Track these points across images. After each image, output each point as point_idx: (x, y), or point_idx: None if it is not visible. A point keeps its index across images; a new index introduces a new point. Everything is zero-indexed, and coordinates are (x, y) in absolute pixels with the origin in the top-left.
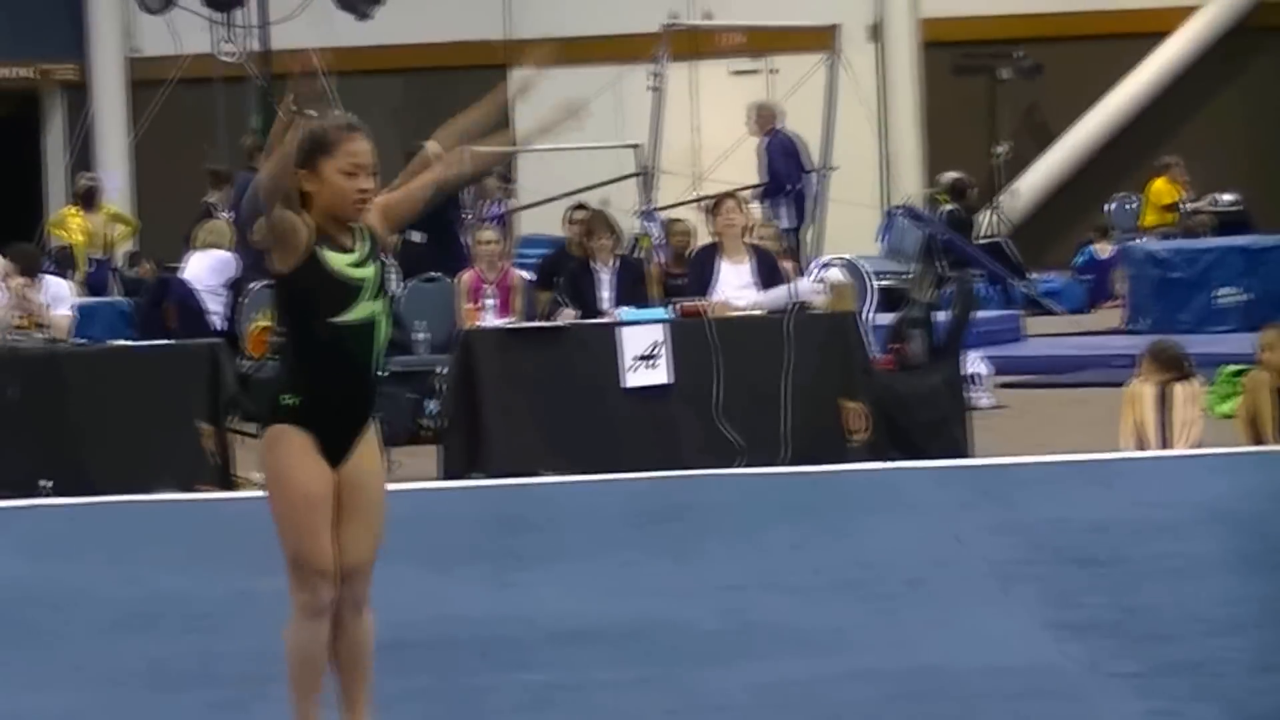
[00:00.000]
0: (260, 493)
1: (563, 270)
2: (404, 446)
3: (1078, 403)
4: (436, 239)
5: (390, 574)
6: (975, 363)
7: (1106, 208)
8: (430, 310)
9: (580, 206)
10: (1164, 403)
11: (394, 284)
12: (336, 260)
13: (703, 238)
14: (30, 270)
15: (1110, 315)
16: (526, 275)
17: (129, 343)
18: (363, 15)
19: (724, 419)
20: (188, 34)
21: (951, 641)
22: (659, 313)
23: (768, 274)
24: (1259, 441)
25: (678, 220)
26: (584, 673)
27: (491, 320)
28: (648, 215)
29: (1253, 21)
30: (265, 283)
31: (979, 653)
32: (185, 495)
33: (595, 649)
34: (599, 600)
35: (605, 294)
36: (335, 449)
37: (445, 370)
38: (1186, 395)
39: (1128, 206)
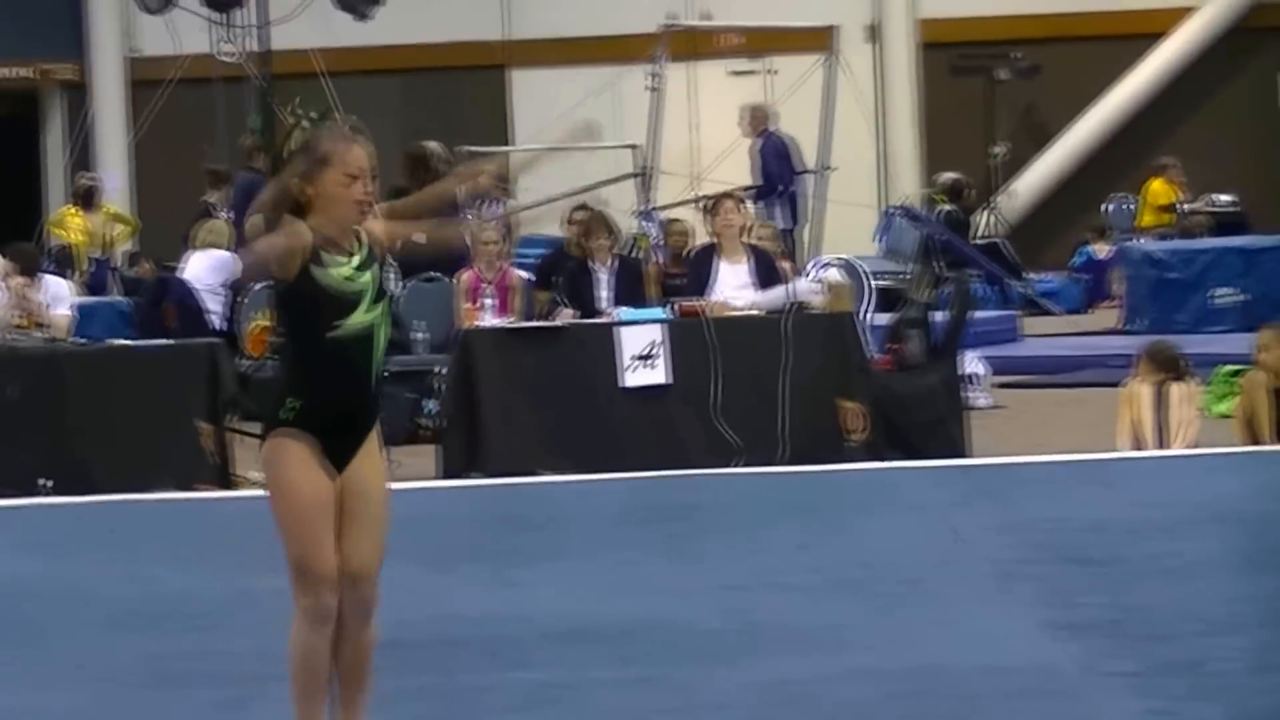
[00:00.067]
0: (259, 492)
1: (561, 270)
2: (403, 446)
3: (1075, 403)
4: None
5: (389, 573)
6: (973, 363)
7: (1104, 208)
8: (429, 310)
9: (579, 207)
10: (1160, 403)
11: (393, 283)
12: (334, 272)
13: (701, 238)
14: (30, 270)
15: (1107, 315)
16: (525, 275)
17: (128, 342)
18: (362, 16)
19: (722, 419)
20: (187, 34)
21: (950, 641)
22: (657, 313)
23: (766, 274)
24: (1256, 441)
25: (676, 220)
26: (582, 672)
27: (490, 320)
28: (646, 215)
29: (1250, 22)
30: (264, 283)
31: (977, 652)
32: (185, 494)
33: (594, 648)
34: (597, 599)
35: (604, 294)
36: (337, 455)
37: (444, 370)
38: (1183, 395)
39: (1125, 207)
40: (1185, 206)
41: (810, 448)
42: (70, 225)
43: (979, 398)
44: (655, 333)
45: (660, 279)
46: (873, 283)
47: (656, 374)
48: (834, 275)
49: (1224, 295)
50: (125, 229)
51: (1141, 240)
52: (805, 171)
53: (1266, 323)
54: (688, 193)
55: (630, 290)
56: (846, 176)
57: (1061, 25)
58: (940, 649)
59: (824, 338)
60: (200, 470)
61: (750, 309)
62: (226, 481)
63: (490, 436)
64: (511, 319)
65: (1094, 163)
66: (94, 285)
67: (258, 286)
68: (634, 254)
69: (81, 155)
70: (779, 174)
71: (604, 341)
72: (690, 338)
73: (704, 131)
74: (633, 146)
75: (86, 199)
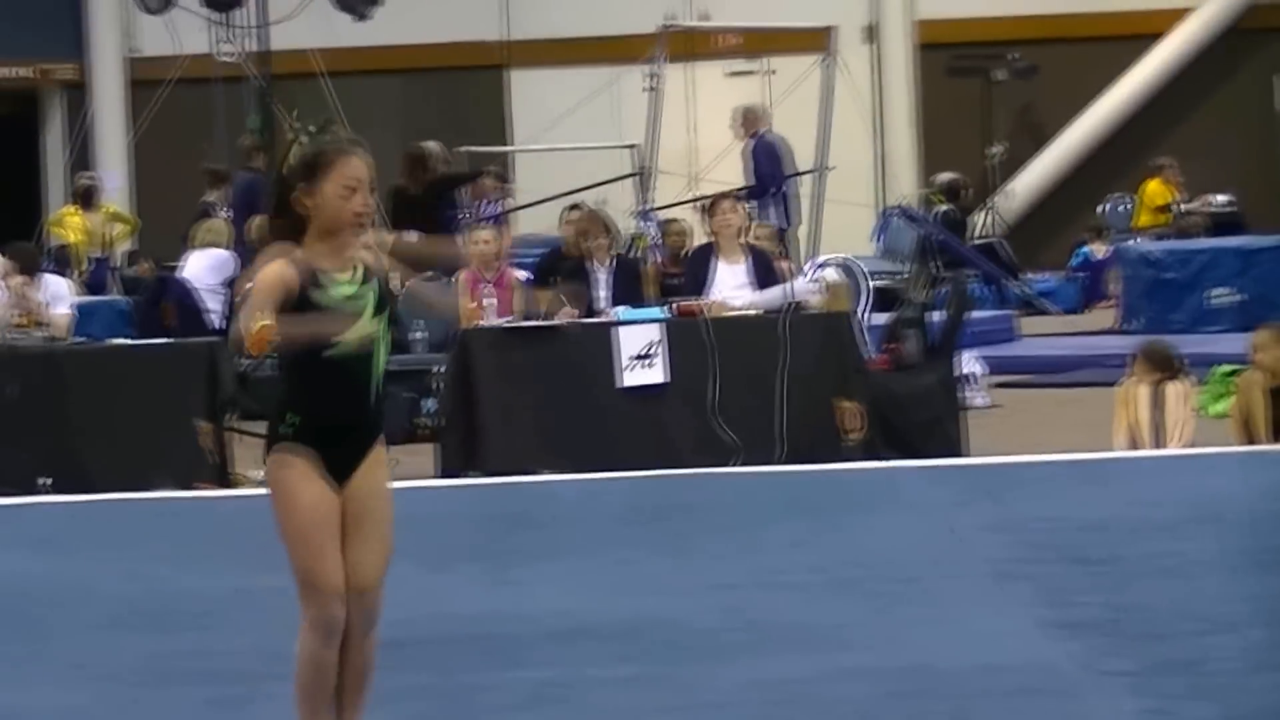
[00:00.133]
0: (259, 490)
1: (560, 270)
2: (401, 445)
3: (1072, 402)
4: (433, 239)
5: (388, 572)
6: (970, 362)
7: (1100, 209)
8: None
9: (577, 206)
10: (1157, 402)
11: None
12: (333, 291)
13: (699, 238)
14: (30, 269)
15: (1104, 315)
16: (524, 275)
17: (128, 341)
18: (361, 16)
19: (720, 418)
20: (187, 34)
21: (947, 639)
22: (655, 312)
23: (763, 274)
24: (1252, 441)
25: (674, 220)
26: (580, 670)
27: (491, 319)
28: (644, 215)
29: (1246, 24)
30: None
31: (975, 651)
32: (184, 493)
33: (591, 646)
34: (595, 598)
35: (602, 294)
36: (339, 468)
37: (442, 369)
38: (1178, 394)
39: (1121, 208)
40: (1182, 207)
41: (808, 447)
42: (70, 225)
43: (976, 397)
44: (653, 332)
45: (658, 279)
46: (870, 283)
47: (654, 373)
48: (831, 275)
49: (1220, 295)
50: (125, 228)
51: (1138, 240)
52: (796, 174)
53: (1263, 323)
54: (686, 193)
55: (628, 290)
56: (844, 177)
57: (1059, 26)
58: (938, 648)
59: (821, 337)
60: (199, 469)
61: (748, 309)
62: (226, 480)
63: (489, 436)
64: (510, 318)
65: (1091, 163)
66: (93, 284)
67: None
68: (632, 254)
69: (81, 155)
70: (771, 175)
71: (602, 341)
72: (688, 337)
73: (702, 132)
74: (631, 146)
75: (86, 198)
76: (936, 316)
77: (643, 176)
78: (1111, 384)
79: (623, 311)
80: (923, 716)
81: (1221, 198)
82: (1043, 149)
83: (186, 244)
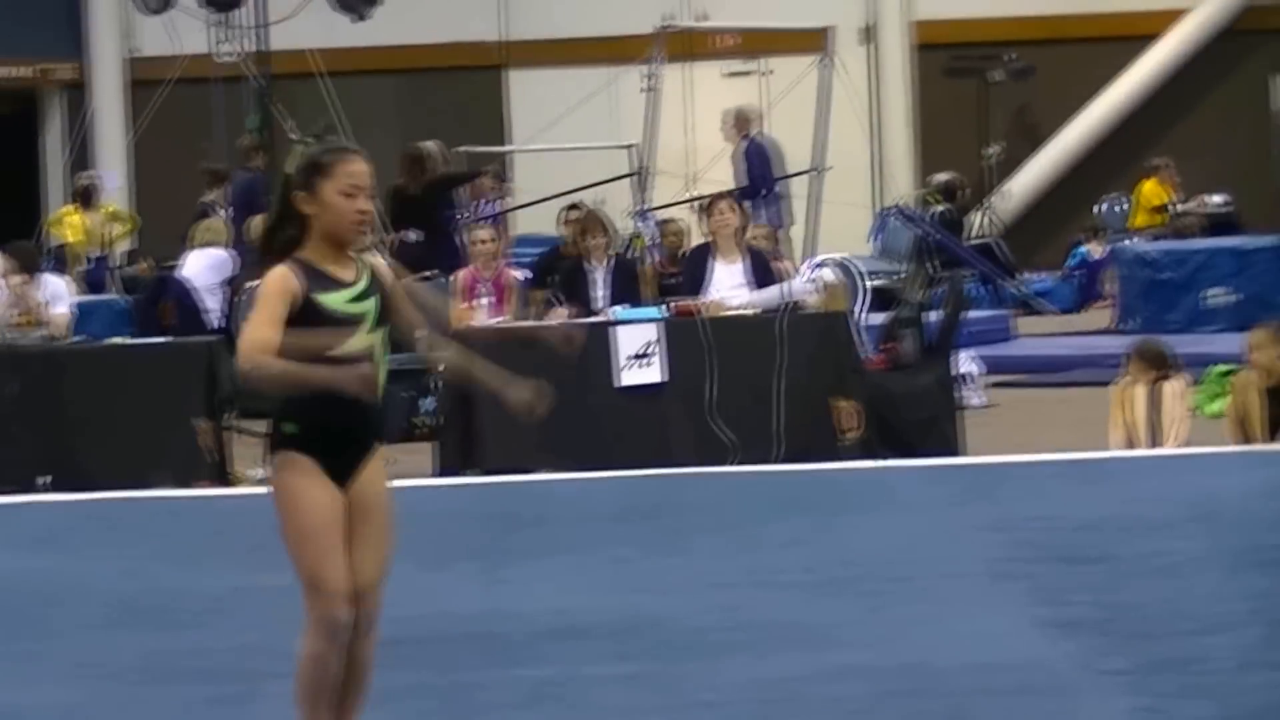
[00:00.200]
0: (257, 489)
1: (558, 270)
2: (399, 444)
3: (1067, 402)
4: (432, 238)
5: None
6: (966, 362)
7: (1097, 209)
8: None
9: (575, 206)
10: (1152, 402)
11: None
12: (334, 301)
13: (696, 238)
14: (29, 268)
15: (1100, 315)
16: (521, 274)
17: (127, 340)
18: (360, 16)
19: (717, 417)
20: (186, 34)
21: (942, 638)
22: (653, 312)
23: (761, 274)
24: (1248, 441)
25: (671, 220)
26: (577, 668)
27: (485, 319)
28: (642, 215)
29: (1241, 25)
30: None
31: (969, 650)
32: (183, 491)
33: (588, 645)
34: (592, 596)
35: (599, 293)
36: (339, 472)
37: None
38: (1174, 393)
39: (1118, 208)
40: (1178, 207)
41: (805, 446)
42: (69, 224)
43: (972, 397)
44: (651, 332)
45: (656, 278)
46: (867, 282)
47: (652, 373)
48: (829, 275)
49: (1216, 295)
50: (124, 228)
51: (1134, 240)
52: (786, 176)
53: (1258, 323)
54: (683, 193)
55: (626, 290)
56: (841, 177)
57: (1055, 27)
58: (932, 647)
59: (819, 337)
60: (198, 467)
61: (745, 309)
62: (224, 479)
63: (486, 435)
64: (507, 318)
65: (1087, 163)
66: (93, 283)
67: (255, 285)
68: (630, 254)
69: (81, 154)
70: (762, 177)
71: (600, 341)
72: (686, 337)
73: (699, 132)
74: (629, 147)
75: (86, 198)
76: (933, 316)
77: (640, 176)
78: (1107, 384)
79: (620, 311)
80: (917, 715)
81: (1217, 198)
82: (1039, 149)
83: (185, 243)
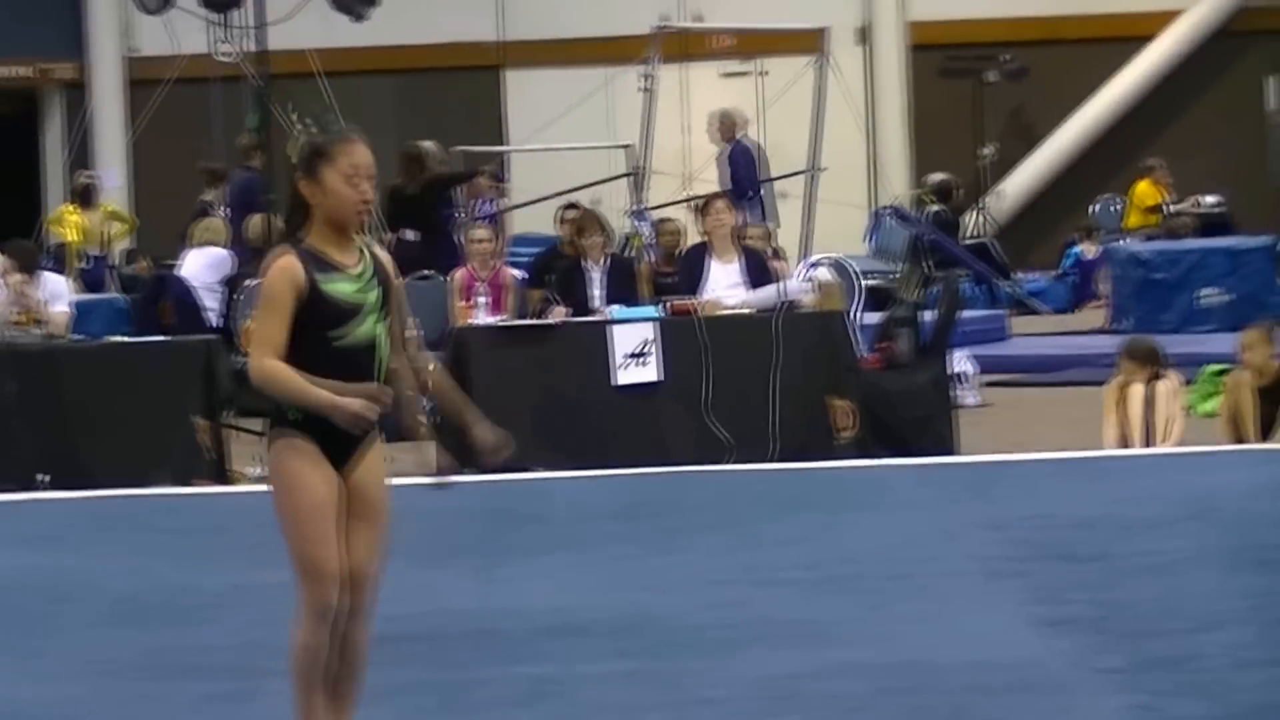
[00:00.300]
0: (256, 487)
1: (555, 269)
2: (397, 442)
3: (1062, 401)
4: (429, 238)
5: (383, 567)
6: (961, 361)
7: (1091, 209)
8: (423, 308)
9: (572, 206)
10: (1149, 400)
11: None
12: (337, 287)
13: (692, 237)
14: (29, 267)
15: (1094, 315)
16: (518, 274)
17: (126, 339)
18: (358, 16)
19: (713, 416)
20: (185, 34)
21: (938, 636)
22: (649, 311)
23: (757, 273)
24: (1240, 440)
25: (668, 220)
26: (573, 666)
27: (483, 318)
28: (638, 215)
29: (1235, 26)
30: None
31: (965, 648)
32: (182, 489)
33: (585, 643)
34: (589, 594)
35: (596, 292)
36: (339, 457)
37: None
38: (1168, 391)
39: (1112, 208)
40: (1172, 207)
41: (801, 445)
42: (69, 223)
43: (967, 396)
44: (647, 331)
45: (652, 278)
46: (862, 282)
47: (648, 372)
48: (824, 274)
49: (1209, 295)
50: (123, 227)
51: (1128, 241)
52: (782, 176)
53: (1251, 323)
54: (680, 193)
55: (622, 289)
56: (836, 177)
57: (1050, 28)
58: (928, 645)
59: (814, 336)
60: (197, 465)
61: (741, 308)
62: (223, 477)
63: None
64: (505, 317)
65: (1082, 164)
66: (92, 282)
67: (254, 283)
68: (626, 253)
69: (80, 154)
70: (748, 179)
71: (597, 339)
72: (682, 336)
73: (695, 132)
74: (625, 146)
75: (85, 197)
76: (928, 316)
77: (637, 176)
78: (1101, 383)
79: (617, 310)
80: (914, 713)
81: (1211, 199)
82: (1034, 150)
83: (184, 242)
